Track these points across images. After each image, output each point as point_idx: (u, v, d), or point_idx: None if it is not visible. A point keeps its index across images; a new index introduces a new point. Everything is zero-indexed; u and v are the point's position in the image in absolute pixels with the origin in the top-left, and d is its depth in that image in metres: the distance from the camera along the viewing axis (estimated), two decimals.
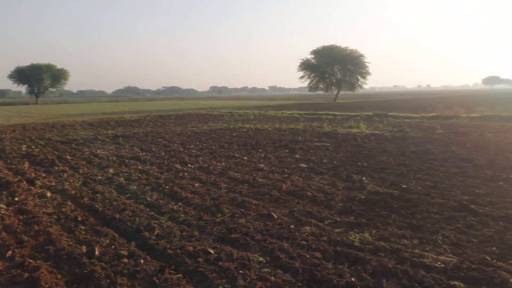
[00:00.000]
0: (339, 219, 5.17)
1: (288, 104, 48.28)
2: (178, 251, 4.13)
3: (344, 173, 7.91)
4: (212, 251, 4.11)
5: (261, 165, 8.95)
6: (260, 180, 7.43)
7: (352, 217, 5.23)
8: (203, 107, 44.30)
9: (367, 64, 59.74)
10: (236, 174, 7.97)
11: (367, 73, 60.43)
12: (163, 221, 5.11)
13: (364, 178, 7.39)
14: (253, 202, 5.92)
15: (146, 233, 4.66)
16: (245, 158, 9.99)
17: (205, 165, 9.04)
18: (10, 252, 4.06)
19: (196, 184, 7.16)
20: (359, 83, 60.90)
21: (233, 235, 4.58)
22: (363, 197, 6.10)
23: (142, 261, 3.90)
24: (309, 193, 6.36)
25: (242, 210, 5.60)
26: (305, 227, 4.80)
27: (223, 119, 24.15)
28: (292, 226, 4.87)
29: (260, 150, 11.20)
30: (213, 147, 11.84)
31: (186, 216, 5.38)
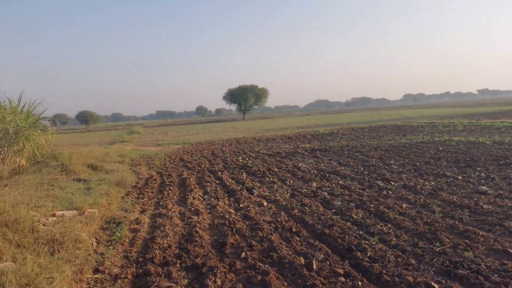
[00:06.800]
0: None
1: (508, 110, 39.89)
2: (396, 279, 3.87)
3: None
4: (436, 286, 3.67)
5: (483, 187, 7.55)
6: (485, 206, 6.26)
7: None
8: (397, 117, 41.74)
9: None
10: (451, 197, 6.99)
11: None
12: (373, 243, 4.95)
13: None
14: (480, 233, 5.01)
15: (358, 254, 4.60)
16: (459, 177, 8.67)
17: (411, 183, 8.34)
18: (243, 254, 4.77)
19: (404, 205, 6.66)
20: None
21: (460, 271, 3.97)
22: None
23: (359, 283, 3.85)
24: None
25: (466, 241, 4.82)
26: None
27: (423, 130, 22.00)
28: None
29: (479, 169, 9.52)
30: (417, 163, 10.85)
31: (398, 240, 5.04)
